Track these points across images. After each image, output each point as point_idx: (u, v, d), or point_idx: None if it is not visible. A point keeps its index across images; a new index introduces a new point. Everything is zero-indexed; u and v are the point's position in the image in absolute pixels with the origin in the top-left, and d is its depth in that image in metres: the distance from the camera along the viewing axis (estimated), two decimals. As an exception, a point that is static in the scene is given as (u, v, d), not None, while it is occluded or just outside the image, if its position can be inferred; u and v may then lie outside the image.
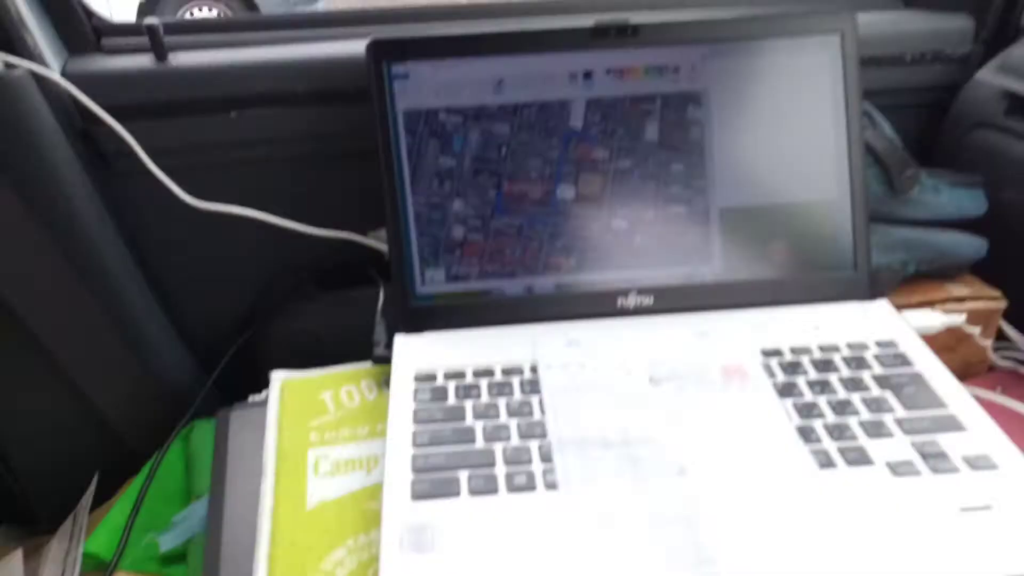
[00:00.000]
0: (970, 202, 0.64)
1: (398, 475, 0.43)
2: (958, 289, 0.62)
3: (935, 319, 0.54)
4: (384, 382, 0.52)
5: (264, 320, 0.64)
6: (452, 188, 0.53)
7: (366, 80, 0.52)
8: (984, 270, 0.64)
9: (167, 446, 0.59)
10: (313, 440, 0.48)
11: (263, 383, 0.54)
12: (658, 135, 0.53)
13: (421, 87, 0.52)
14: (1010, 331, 0.62)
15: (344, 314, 0.63)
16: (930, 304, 0.60)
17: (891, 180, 0.61)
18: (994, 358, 0.63)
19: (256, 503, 0.45)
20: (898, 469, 0.42)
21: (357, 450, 0.47)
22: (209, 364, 0.65)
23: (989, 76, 0.68)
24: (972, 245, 0.63)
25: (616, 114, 0.53)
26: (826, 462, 0.42)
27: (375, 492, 0.44)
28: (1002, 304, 0.61)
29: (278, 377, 0.53)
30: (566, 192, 0.53)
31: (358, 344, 0.54)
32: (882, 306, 0.54)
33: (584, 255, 0.54)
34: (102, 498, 0.60)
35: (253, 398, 0.54)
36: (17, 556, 0.54)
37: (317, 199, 0.62)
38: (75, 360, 0.59)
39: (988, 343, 0.60)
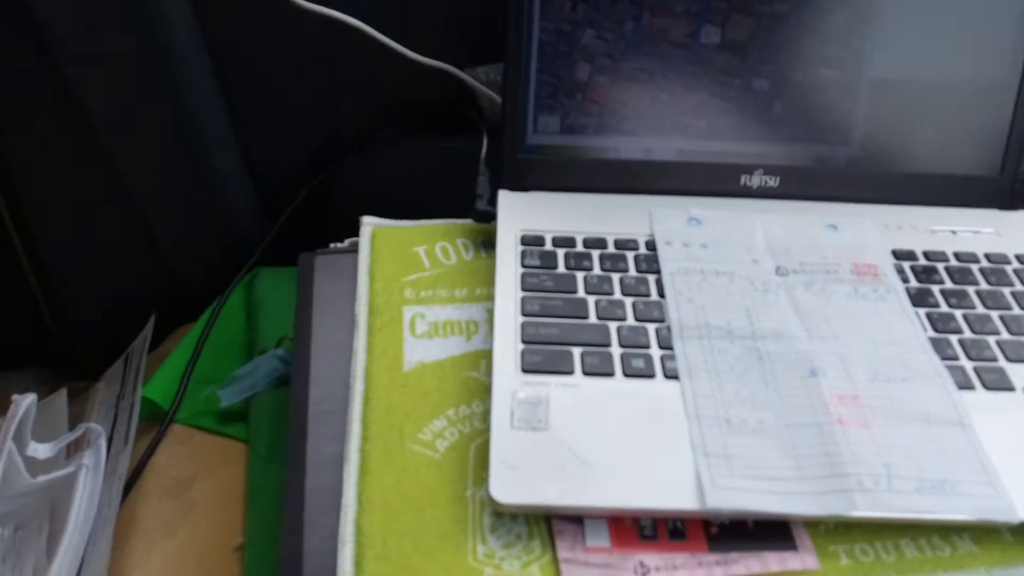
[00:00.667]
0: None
1: (507, 344, 0.40)
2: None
3: (1082, 237, 0.50)
4: (481, 242, 0.48)
5: (341, 160, 0.60)
6: (585, 15, 0.47)
7: None
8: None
9: (229, 291, 0.56)
10: (408, 297, 0.45)
11: (332, 235, 0.50)
12: (824, -25, 0.47)
13: None
14: None
15: (434, 162, 0.58)
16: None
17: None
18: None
19: (344, 358, 0.42)
20: (1040, 398, 0.39)
21: (456, 312, 0.44)
22: (275, 209, 0.60)
23: None
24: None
25: (782, -56, 0.46)
26: (964, 383, 0.39)
27: (476, 360, 0.42)
28: None
29: (369, 223, 0.49)
30: (711, 35, 0.47)
31: (446, 199, 0.49)
32: (1024, 217, 0.50)
33: (715, 118, 0.49)
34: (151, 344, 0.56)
35: (335, 245, 0.50)
36: (61, 395, 0.52)
37: (419, 22, 0.54)
38: (136, 168, 0.54)
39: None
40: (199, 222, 0.59)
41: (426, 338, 0.43)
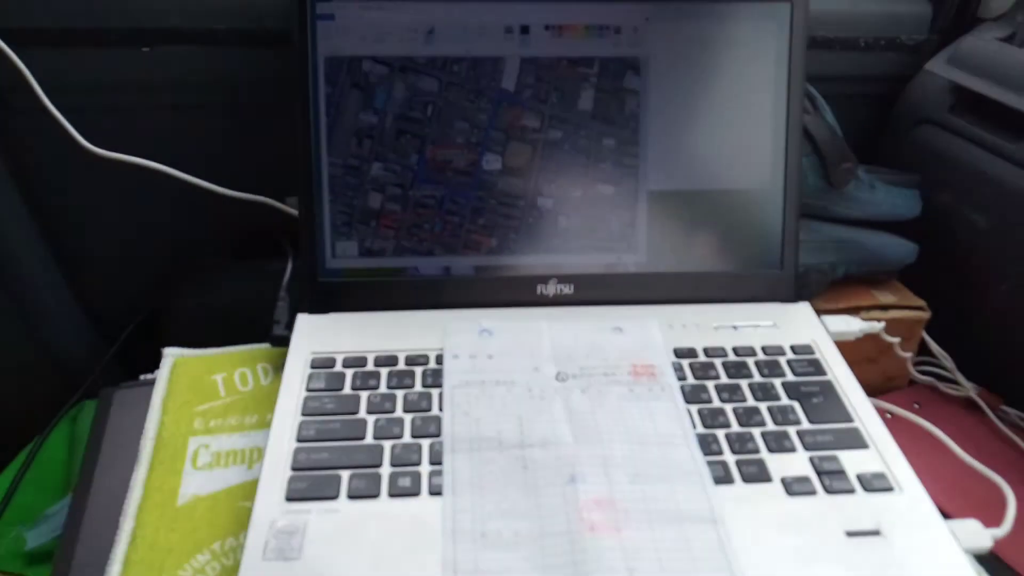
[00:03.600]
0: (904, 202, 0.61)
1: (275, 472, 0.40)
2: (885, 296, 0.61)
3: (853, 324, 0.52)
4: (281, 366, 0.49)
5: (171, 290, 0.61)
6: (372, 149, 0.50)
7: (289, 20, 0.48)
8: (911, 278, 0.62)
9: (51, 427, 0.55)
10: (197, 427, 0.45)
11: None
12: (593, 104, 0.51)
13: (346, 30, 0.49)
14: (932, 344, 0.61)
15: (257, 287, 0.59)
16: (855, 311, 0.58)
17: (827, 172, 0.58)
18: (914, 372, 0.61)
19: (121, 498, 0.42)
20: (793, 487, 0.40)
21: (242, 441, 0.45)
22: (112, 339, 0.61)
23: (938, 67, 0.66)
24: (902, 249, 0.61)
25: (551, 77, 0.50)
26: (723, 477, 0.41)
27: (253, 490, 0.42)
28: (925, 315, 0.59)
29: (171, 354, 0.50)
30: (492, 162, 0.50)
31: (270, 322, 0.51)
32: (803, 309, 0.53)
33: (506, 235, 0.51)
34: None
35: (145, 377, 0.51)
36: None
37: (231, 157, 0.57)
38: None
39: (909, 355, 0.59)
40: (21, 359, 0.59)
41: (206, 470, 0.43)
